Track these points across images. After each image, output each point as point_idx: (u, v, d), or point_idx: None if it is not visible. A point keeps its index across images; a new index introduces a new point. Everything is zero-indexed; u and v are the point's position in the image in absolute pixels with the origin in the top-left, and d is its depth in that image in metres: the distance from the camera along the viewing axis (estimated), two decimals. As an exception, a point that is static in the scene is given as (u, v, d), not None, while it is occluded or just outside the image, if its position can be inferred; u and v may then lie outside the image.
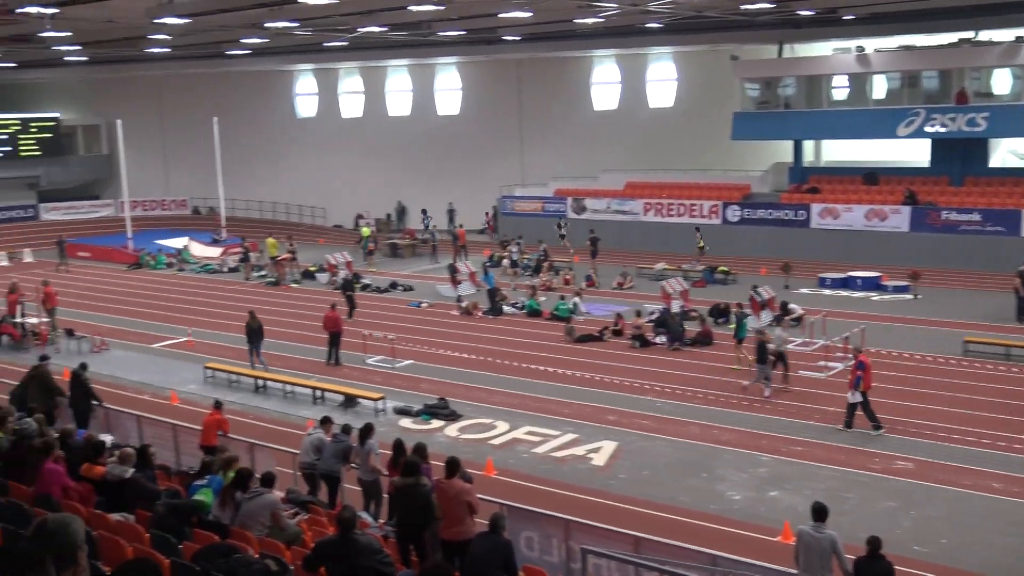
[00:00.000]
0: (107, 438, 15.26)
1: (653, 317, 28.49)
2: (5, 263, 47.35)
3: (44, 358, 19.41)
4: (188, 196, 58.70)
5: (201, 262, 44.53)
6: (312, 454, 14.76)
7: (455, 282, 34.86)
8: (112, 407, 18.94)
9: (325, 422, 15.39)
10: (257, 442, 16.31)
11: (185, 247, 46.42)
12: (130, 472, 11.37)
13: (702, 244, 39.59)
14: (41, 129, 57.25)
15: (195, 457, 15.54)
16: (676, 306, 29.37)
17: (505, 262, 39.22)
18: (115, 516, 10.15)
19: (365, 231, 44.72)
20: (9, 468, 11.48)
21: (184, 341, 28.47)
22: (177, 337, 29.05)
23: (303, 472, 14.93)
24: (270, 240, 40.71)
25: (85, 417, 18.27)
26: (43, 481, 10.90)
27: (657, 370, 24.06)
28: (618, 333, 27.58)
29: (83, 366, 19.06)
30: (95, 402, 18.58)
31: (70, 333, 27.99)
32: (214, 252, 46.23)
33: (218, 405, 16.83)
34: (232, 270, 42.39)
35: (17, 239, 51.98)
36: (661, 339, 26.75)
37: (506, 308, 31.41)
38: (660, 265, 37.46)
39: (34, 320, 28.70)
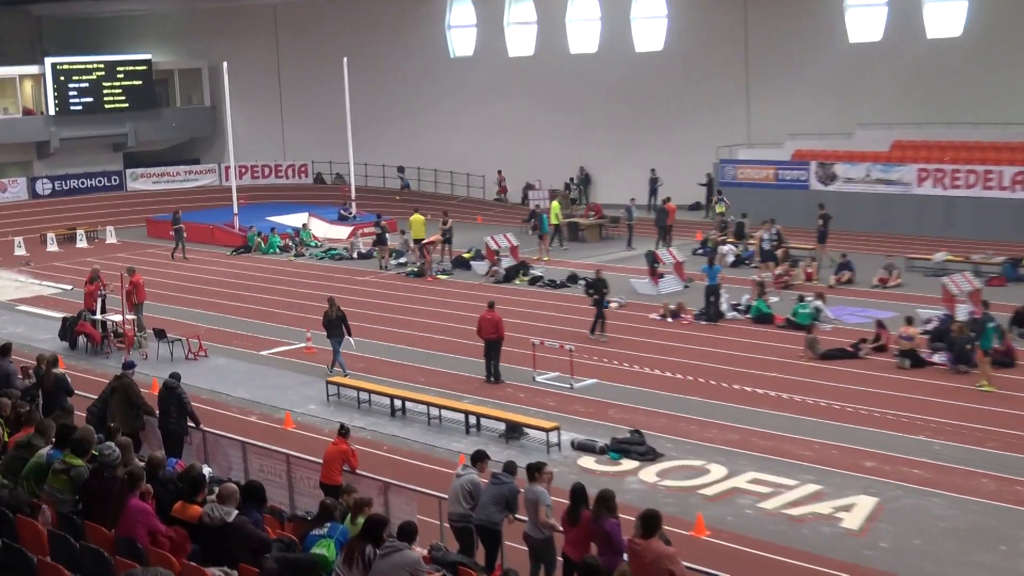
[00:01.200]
0: (205, 470, 15.85)
1: (930, 327, 27.64)
2: (83, 244, 50.04)
3: (129, 366, 20.30)
4: (310, 160, 60.54)
5: (325, 245, 45.82)
6: (464, 501, 14.89)
7: (656, 275, 34.64)
8: (211, 431, 19.60)
9: (479, 459, 15.51)
10: (393, 482, 16.55)
11: (305, 226, 47.82)
12: (234, 515, 11.74)
13: (723, 209, 42.32)
14: (129, 75, 60.06)
15: (313, 498, 15.93)
16: (963, 312, 28.35)
17: (725, 248, 38.75)
18: (213, 571, 10.50)
19: (555, 207, 44.23)
20: (88, 503, 12.02)
21: (302, 347, 29.33)
22: (293, 342, 29.91)
23: (452, 524, 15.10)
24: (416, 217, 40.95)
25: (178, 442, 19.03)
26: (127, 522, 11.38)
27: (935, 400, 23.30)
28: (880, 348, 26.90)
29: (176, 377, 19.80)
30: (191, 424, 19.33)
31: (161, 334, 29.24)
32: (341, 232, 47.43)
33: (344, 432, 17.21)
34: (364, 256, 43.48)
35: (98, 214, 54.84)
36: (940, 357, 25.95)
37: (725, 311, 31.06)
38: (940, 255, 36.27)
39: (117, 317, 30.08)
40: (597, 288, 29.64)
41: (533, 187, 51.41)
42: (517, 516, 14.64)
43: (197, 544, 11.57)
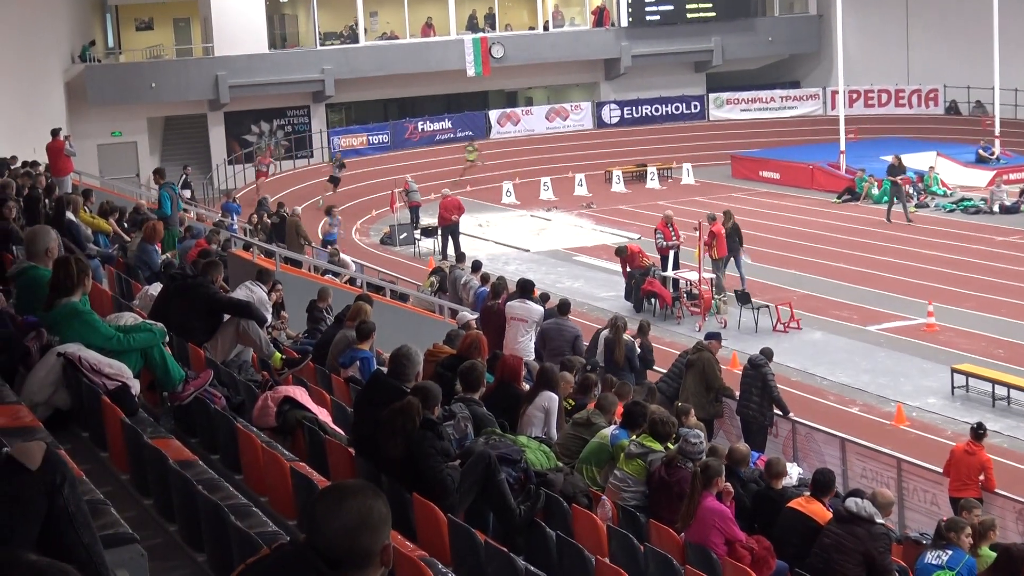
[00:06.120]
0: (793, 471, 16.13)
1: None
2: (654, 184, 52.01)
3: (713, 336, 21.15)
4: (941, 84, 59.16)
5: (956, 194, 45.07)
6: None
7: None
8: (801, 421, 20.03)
9: None
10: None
11: (931, 169, 47.08)
12: (879, 523, 12.03)
13: (472, 157, 53.41)
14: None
15: (928, 516, 15.98)
16: None
17: None
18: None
19: None
20: (655, 498, 12.56)
21: (921, 324, 29.09)
22: (910, 317, 29.75)
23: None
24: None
25: (761, 433, 19.62)
26: (699, 525, 11.83)
27: None
28: None
29: (766, 353, 20.35)
30: (776, 411, 19.79)
31: (744, 299, 29.93)
32: (979, 178, 46.35)
33: (979, 435, 16.99)
34: (1008, 210, 42.32)
35: (673, 148, 56.86)
36: None
37: None
38: None
39: (692, 275, 31.14)
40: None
41: None
42: None
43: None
